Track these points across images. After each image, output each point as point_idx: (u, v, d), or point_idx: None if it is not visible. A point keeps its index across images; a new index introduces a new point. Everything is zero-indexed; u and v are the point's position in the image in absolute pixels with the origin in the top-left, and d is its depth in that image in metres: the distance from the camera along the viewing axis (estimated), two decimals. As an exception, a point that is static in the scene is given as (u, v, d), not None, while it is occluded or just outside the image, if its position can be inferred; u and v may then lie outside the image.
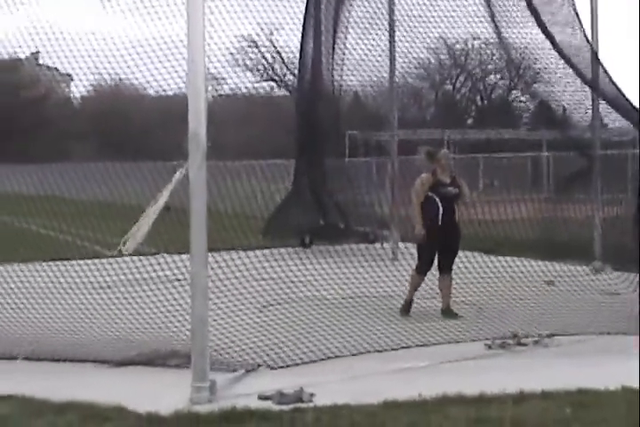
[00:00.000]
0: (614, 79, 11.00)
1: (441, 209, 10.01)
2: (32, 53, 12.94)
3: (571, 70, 11.34)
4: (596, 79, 11.41)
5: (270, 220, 16.80)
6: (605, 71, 11.21)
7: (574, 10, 11.68)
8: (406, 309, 10.19)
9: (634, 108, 10.69)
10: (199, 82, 6.82)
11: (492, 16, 11.87)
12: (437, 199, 10.04)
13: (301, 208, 16.35)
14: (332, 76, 14.08)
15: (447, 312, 10.03)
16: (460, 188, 10.16)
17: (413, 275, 10.25)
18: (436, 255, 10.14)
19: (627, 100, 10.93)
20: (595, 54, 11.73)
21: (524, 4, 11.33)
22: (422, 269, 10.15)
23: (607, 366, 7.66)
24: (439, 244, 10.03)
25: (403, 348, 8.49)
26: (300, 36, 14.18)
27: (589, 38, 12.25)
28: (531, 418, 6.10)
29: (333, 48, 13.83)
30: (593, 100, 12.36)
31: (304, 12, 13.84)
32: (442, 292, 10.20)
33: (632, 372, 7.24)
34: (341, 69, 13.95)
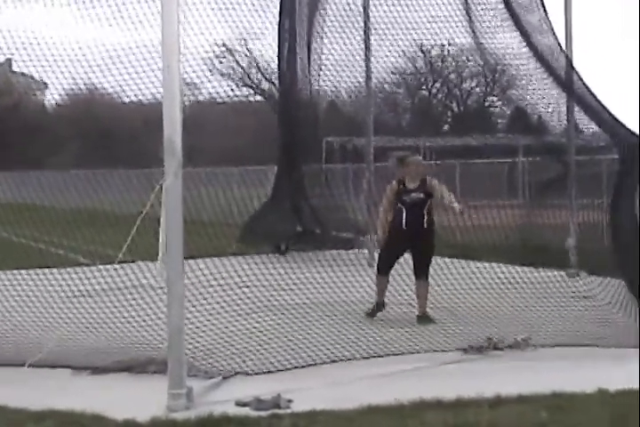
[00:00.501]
0: (588, 85, 11.05)
1: (404, 215, 10.14)
2: (5, 60, 12.87)
3: (547, 75, 11.39)
4: (571, 85, 11.47)
5: (247, 226, 16.77)
6: (580, 77, 11.26)
7: (546, 15, 11.73)
8: (373, 312, 10.24)
9: (610, 113, 10.74)
10: (174, 89, 6.81)
11: (470, 21, 11.91)
12: (401, 206, 10.18)
13: (279, 214, 16.34)
14: (310, 82, 14.09)
15: (423, 318, 10.05)
16: (425, 193, 10.19)
17: (376, 277, 10.36)
18: (412, 261, 10.23)
19: (602, 106, 10.98)
20: (569, 60, 11.80)
21: (501, 8, 11.38)
22: (381, 270, 10.29)
23: (583, 370, 7.71)
24: (404, 249, 10.22)
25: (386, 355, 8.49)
26: (275, 42, 14.20)
27: (563, 44, 12.32)
28: (507, 422, 6.12)
29: (309, 55, 13.84)
30: (568, 106, 12.42)
31: (278, 18, 13.86)
32: (418, 298, 10.23)
33: (607, 375, 7.32)
34: (318, 76, 13.96)
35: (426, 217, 10.14)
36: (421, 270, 10.18)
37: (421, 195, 10.17)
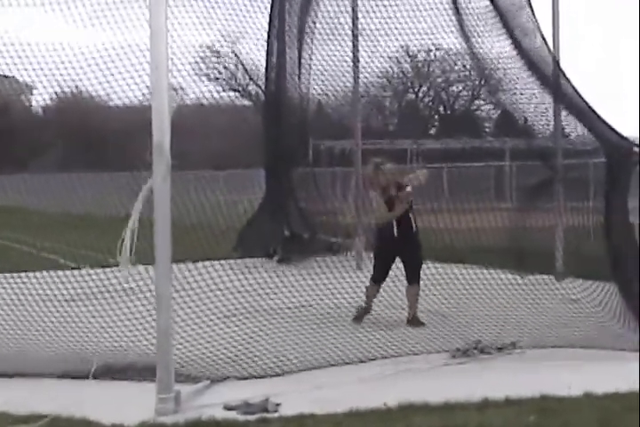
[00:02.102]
0: (576, 87, 11.03)
1: (394, 224, 10.35)
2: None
3: (534, 78, 11.37)
4: (558, 88, 11.47)
5: (242, 233, 16.71)
6: (567, 79, 11.25)
7: (533, 17, 11.71)
8: (360, 316, 10.23)
9: (599, 117, 10.72)
10: (163, 91, 6.78)
11: (459, 25, 11.89)
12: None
13: (271, 219, 16.32)
14: (299, 85, 14.08)
15: (413, 321, 10.05)
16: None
17: (369, 285, 10.41)
18: (403, 267, 10.32)
19: (591, 109, 10.96)
20: (556, 63, 11.79)
21: (489, 11, 11.36)
22: (376, 280, 10.37)
23: (570, 373, 7.71)
24: (394, 257, 10.33)
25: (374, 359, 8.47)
26: (263, 45, 14.19)
27: (550, 46, 12.30)
28: (495, 425, 6.13)
29: (299, 58, 13.83)
30: (555, 110, 12.42)
31: (268, 21, 13.84)
32: (409, 301, 10.25)
33: (594, 377, 7.33)
34: (307, 79, 13.96)
35: (406, 225, 10.25)
36: (412, 275, 10.21)
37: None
